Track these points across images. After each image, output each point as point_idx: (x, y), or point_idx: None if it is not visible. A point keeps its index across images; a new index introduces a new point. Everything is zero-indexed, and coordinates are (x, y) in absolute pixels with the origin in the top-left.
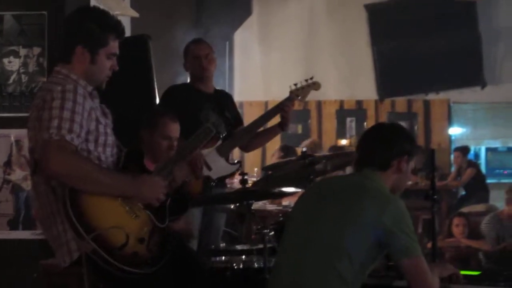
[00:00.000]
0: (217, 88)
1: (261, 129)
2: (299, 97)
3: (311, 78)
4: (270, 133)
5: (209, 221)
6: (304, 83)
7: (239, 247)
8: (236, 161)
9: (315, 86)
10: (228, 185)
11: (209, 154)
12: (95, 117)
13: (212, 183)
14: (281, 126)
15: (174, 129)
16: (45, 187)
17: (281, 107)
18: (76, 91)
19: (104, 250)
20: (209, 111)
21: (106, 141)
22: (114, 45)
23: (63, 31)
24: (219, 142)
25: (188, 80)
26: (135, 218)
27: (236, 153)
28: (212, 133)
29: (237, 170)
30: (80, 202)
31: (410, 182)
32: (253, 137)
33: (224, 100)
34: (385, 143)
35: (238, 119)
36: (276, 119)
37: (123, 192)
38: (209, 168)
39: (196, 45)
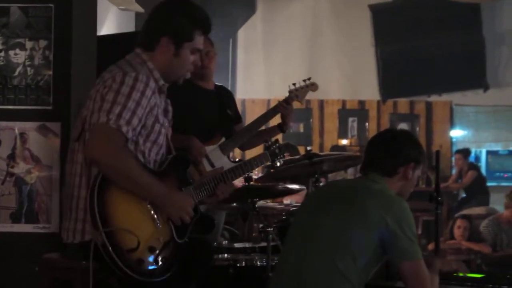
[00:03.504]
0: (219, 84)
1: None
2: (298, 97)
3: (309, 79)
4: (268, 133)
5: None
6: (302, 84)
7: (241, 244)
8: (238, 159)
9: (313, 87)
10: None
11: (213, 151)
12: (155, 114)
13: None
14: (281, 127)
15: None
16: (82, 157)
17: (281, 108)
18: (148, 84)
19: (113, 248)
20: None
21: (157, 139)
22: (199, 40)
23: (148, 18)
24: (222, 139)
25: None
26: (156, 225)
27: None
28: (267, 160)
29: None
30: (108, 193)
31: None
32: (252, 136)
33: (225, 96)
34: (392, 150)
35: (238, 116)
36: (277, 119)
37: (153, 199)
38: (213, 166)
39: None
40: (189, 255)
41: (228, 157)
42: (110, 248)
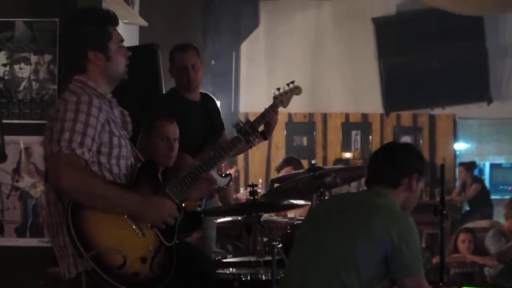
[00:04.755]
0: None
1: None
2: (283, 103)
3: (293, 82)
4: None
5: (203, 233)
6: (286, 88)
7: (246, 258)
8: (227, 172)
9: (297, 90)
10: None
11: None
12: (109, 129)
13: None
14: (264, 135)
15: (172, 129)
16: (54, 196)
17: (268, 115)
18: (91, 103)
19: (102, 269)
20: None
21: (120, 153)
22: (116, 33)
23: (64, 44)
24: (211, 154)
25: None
26: (141, 235)
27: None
28: (241, 142)
29: (229, 182)
30: (82, 217)
31: None
32: None
33: (210, 106)
34: (395, 161)
35: (222, 125)
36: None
37: (129, 211)
38: (215, 182)
39: (182, 54)
40: (190, 268)
41: (218, 171)
42: (100, 271)
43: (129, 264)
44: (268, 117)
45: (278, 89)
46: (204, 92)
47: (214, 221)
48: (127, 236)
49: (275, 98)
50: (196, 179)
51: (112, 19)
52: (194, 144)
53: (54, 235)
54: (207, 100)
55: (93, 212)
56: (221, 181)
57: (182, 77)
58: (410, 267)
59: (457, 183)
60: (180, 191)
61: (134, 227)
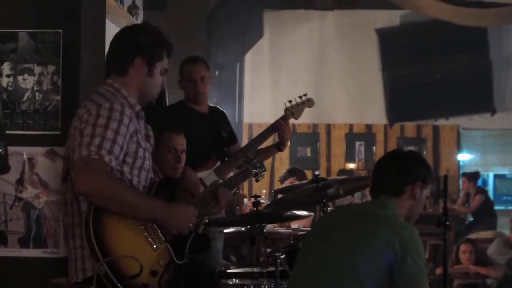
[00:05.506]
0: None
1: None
2: (294, 115)
3: (305, 95)
4: (266, 153)
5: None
6: (298, 101)
7: (249, 269)
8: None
9: (309, 103)
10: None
11: (208, 176)
12: (136, 140)
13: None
14: (278, 146)
15: (179, 141)
16: (72, 197)
17: (277, 127)
18: (123, 112)
19: (115, 276)
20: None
21: (143, 165)
22: (166, 61)
23: (114, 44)
24: (218, 163)
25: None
26: (154, 249)
27: None
28: (251, 176)
29: (235, 192)
30: (102, 223)
31: None
32: None
33: (218, 118)
34: (399, 168)
35: (233, 137)
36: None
37: (153, 215)
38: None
39: (192, 66)
40: (193, 281)
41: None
42: (113, 277)
43: (142, 275)
44: (278, 129)
45: (290, 101)
46: (213, 105)
47: (221, 232)
48: (143, 247)
49: (286, 110)
50: (214, 197)
51: (169, 47)
52: (199, 155)
53: (68, 237)
54: (215, 113)
55: (113, 219)
56: None
57: (190, 89)
58: (414, 278)
59: (461, 194)
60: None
61: (150, 239)
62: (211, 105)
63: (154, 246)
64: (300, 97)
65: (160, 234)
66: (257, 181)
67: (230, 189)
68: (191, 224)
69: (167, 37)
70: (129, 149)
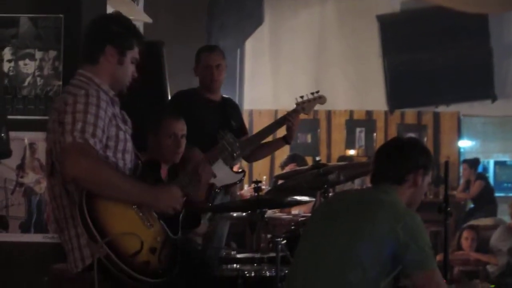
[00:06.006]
0: (226, 95)
1: (266, 140)
2: (305, 110)
3: (317, 92)
4: (274, 145)
5: (213, 228)
6: (310, 97)
7: (250, 255)
8: (240, 170)
9: (321, 100)
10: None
11: (215, 162)
12: (115, 123)
13: (216, 190)
14: (286, 139)
15: (178, 126)
16: (60, 189)
17: (288, 119)
18: (99, 96)
19: (116, 256)
20: (216, 123)
21: (125, 148)
22: (137, 51)
23: (87, 33)
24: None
25: (198, 84)
26: (149, 227)
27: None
28: (226, 151)
29: (241, 178)
30: (96, 206)
31: None
32: (257, 147)
33: (230, 108)
34: (400, 157)
35: (243, 128)
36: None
37: (141, 199)
38: (214, 176)
39: (208, 54)
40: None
41: (231, 168)
42: (114, 256)
43: (143, 252)
44: (287, 122)
45: (302, 97)
46: (227, 96)
47: (226, 218)
48: (139, 226)
49: (297, 105)
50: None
51: (140, 38)
52: (207, 141)
53: (60, 230)
54: (228, 103)
55: (105, 202)
56: (235, 177)
57: (206, 76)
58: (421, 261)
59: (461, 181)
60: (187, 182)
61: (142, 217)
62: (225, 96)
63: (149, 224)
64: (312, 93)
65: (153, 212)
66: (233, 153)
67: (211, 164)
68: (178, 205)
69: (136, 26)
70: (110, 133)
